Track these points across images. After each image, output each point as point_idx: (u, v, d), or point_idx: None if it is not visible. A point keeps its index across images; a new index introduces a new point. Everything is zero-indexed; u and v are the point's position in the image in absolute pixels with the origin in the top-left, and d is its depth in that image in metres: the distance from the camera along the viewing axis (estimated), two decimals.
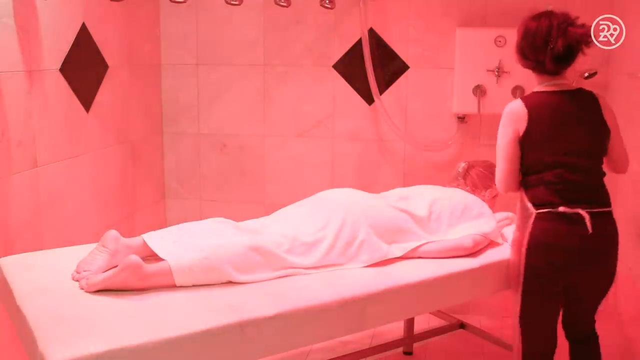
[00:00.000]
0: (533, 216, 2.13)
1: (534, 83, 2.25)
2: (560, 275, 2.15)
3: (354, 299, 1.99)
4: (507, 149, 2.18)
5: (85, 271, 1.95)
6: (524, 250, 2.16)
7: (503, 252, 2.42)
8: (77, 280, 1.93)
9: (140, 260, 1.89)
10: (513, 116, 2.17)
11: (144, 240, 2.06)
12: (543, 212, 2.11)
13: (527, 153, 2.16)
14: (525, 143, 2.15)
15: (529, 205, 2.15)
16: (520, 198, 2.23)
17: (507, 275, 2.33)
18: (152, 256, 2.02)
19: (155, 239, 2.08)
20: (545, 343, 2.24)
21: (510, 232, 2.50)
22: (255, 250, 2.06)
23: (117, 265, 1.90)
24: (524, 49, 2.18)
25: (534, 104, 2.16)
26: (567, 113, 2.15)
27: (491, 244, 2.47)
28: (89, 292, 1.87)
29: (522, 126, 2.14)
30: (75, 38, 2.75)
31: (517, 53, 2.22)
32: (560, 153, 2.12)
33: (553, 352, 2.25)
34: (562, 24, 2.10)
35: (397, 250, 2.31)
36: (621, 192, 2.71)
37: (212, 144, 3.58)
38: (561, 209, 2.08)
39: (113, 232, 2.04)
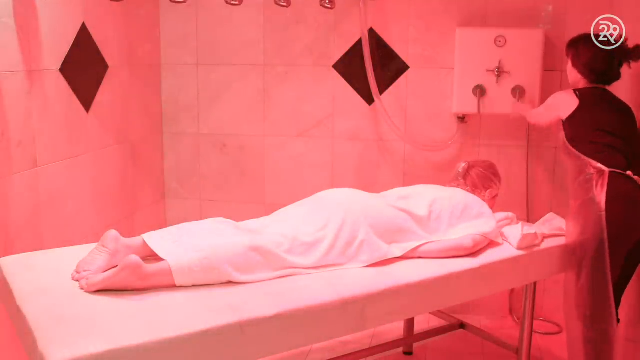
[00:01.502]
0: (607, 175, 2.38)
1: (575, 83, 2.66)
2: (635, 230, 2.38)
3: (354, 299, 1.99)
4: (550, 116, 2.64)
5: (85, 271, 1.94)
6: (603, 204, 2.35)
7: (503, 252, 2.43)
8: (77, 280, 1.93)
9: (140, 260, 1.89)
10: (562, 100, 2.58)
11: (144, 240, 2.06)
12: (616, 172, 2.39)
13: (587, 121, 2.49)
14: (581, 114, 2.50)
15: (600, 165, 2.40)
16: (584, 162, 2.45)
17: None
18: (152, 256, 2.02)
19: (155, 239, 2.07)
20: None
21: (510, 231, 2.51)
22: (255, 250, 2.06)
23: (117, 265, 1.90)
24: (588, 64, 2.57)
25: (583, 93, 2.56)
26: (611, 99, 2.58)
27: (491, 244, 2.46)
28: (89, 292, 1.87)
29: (571, 109, 2.51)
30: (75, 38, 2.75)
31: (580, 65, 2.59)
32: (616, 129, 2.48)
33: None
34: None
35: (397, 250, 2.31)
36: None
37: (212, 144, 3.58)
38: (628, 172, 2.39)
39: (113, 232, 2.04)
